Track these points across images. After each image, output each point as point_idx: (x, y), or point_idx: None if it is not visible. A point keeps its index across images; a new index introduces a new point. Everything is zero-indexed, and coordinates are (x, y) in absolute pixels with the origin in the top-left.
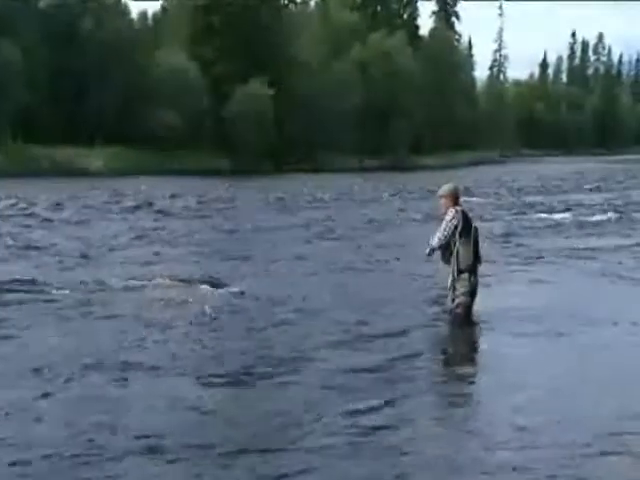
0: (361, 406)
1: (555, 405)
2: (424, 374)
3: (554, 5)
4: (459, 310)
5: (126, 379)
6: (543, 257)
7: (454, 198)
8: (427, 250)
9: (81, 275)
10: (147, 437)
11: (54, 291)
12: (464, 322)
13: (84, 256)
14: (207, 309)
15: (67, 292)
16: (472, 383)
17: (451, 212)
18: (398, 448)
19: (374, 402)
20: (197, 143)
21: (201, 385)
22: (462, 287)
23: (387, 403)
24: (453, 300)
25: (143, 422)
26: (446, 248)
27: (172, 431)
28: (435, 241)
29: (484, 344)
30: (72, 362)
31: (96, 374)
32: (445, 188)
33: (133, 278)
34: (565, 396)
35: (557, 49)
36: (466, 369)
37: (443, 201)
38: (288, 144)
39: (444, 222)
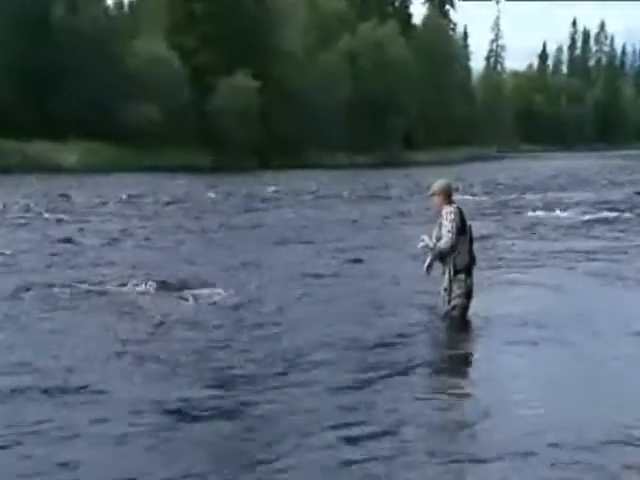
0: (349, 425)
1: (556, 425)
2: (417, 389)
3: None
4: (455, 312)
5: (67, 404)
6: (542, 258)
7: (447, 195)
8: (427, 263)
9: (36, 279)
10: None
11: (8, 298)
12: (460, 325)
13: (39, 259)
14: (177, 316)
15: (26, 297)
16: (470, 400)
17: (450, 210)
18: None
19: (364, 421)
20: (178, 138)
21: (172, 404)
22: (458, 288)
23: (377, 422)
24: (449, 302)
25: (96, 455)
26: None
27: (146, 458)
28: (443, 243)
29: (482, 355)
30: (10, 381)
31: (34, 402)
32: (438, 185)
33: (98, 283)
34: (569, 417)
35: (557, 39)
36: (462, 384)
37: (436, 199)
38: (274, 140)
39: (446, 221)
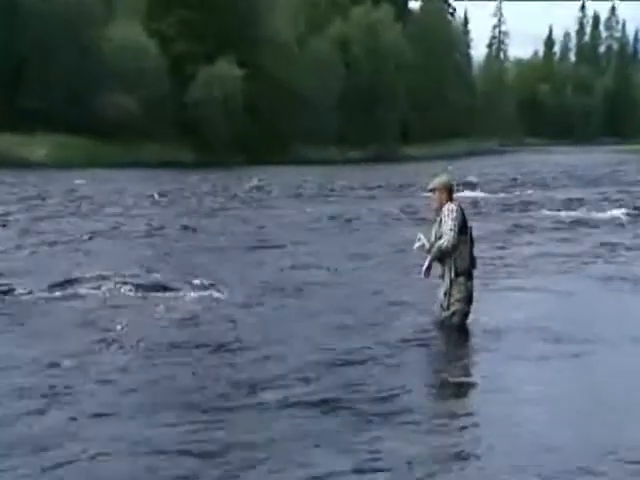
0: (335, 452)
1: (565, 448)
2: (410, 411)
3: None
4: (455, 319)
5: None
6: (547, 260)
7: (448, 192)
8: (425, 264)
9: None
10: None
11: None
12: (460, 334)
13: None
14: (157, 322)
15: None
16: (468, 423)
17: (451, 207)
18: None
19: (350, 449)
20: (158, 132)
21: (149, 422)
22: (458, 293)
23: (368, 449)
24: (448, 307)
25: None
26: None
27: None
28: (445, 242)
29: (483, 369)
30: None
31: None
32: (438, 180)
33: (70, 285)
34: (578, 442)
35: (564, 24)
36: (460, 404)
37: (436, 195)
38: (262, 133)
39: (448, 219)
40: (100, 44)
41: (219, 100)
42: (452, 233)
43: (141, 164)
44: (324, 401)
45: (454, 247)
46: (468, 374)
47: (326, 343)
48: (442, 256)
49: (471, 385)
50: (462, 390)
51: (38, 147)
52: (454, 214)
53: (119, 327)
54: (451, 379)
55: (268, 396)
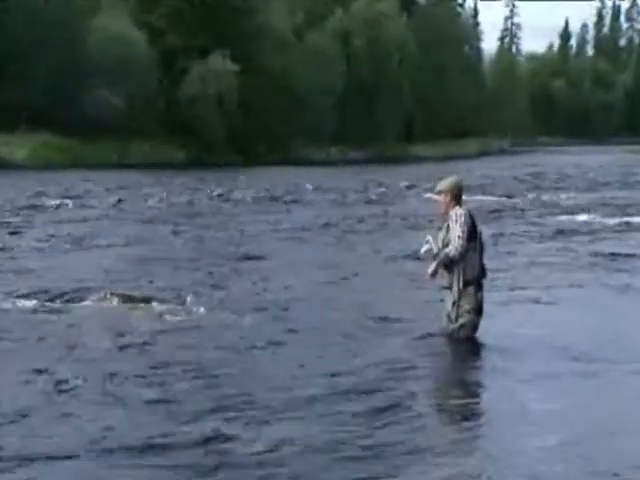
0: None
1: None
2: (413, 436)
3: None
4: (463, 332)
5: None
6: (565, 269)
7: (456, 195)
8: (432, 268)
9: None
10: None
11: None
12: (468, 348)
13: None
14: (140, 334)
15: None
16: (477, 451)
17: (460, 212)
18: None
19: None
20: (147, 130)
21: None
22: (467, 303)
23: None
24: (456, 319)
25: None
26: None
27: None
28: (453, 250)
29: (493, 389)
30: None
31: None
32: (446, 182)
33: (52, 297)
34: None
35: (582, 16)
36: (467, 428)
37: (443, 198)
38: (257, 132)
39: (456, 225)
40: (85, 37)
41: (212, 97)
42: (460, 240)
43: (129, 165)
44: (318, 434)
45: (462, 255)
46: (476, 394)
47: (315, 364)
48: (449, 264)
49: (478, 407)
50: (468, 413)
51: (18, 147)
52: (462, 219)
53: (82, 344)
54: (457, 399)
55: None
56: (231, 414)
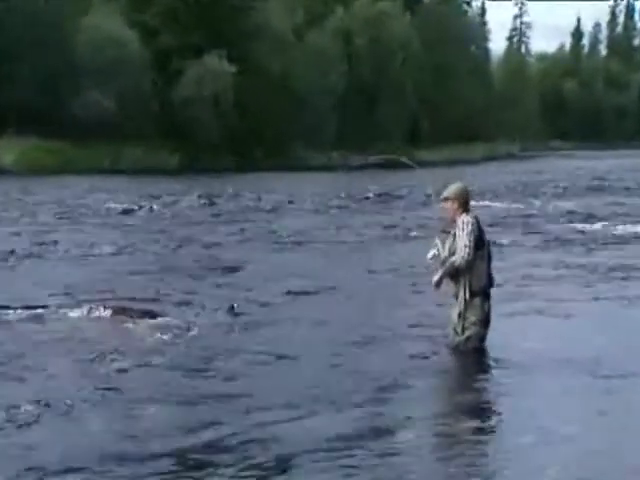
0: None
1: None
2: (416, 459)
3: None
4: (470, 345)
5: None
6: (579, 279)
7: (464, 202)
8: (438, 276)
9: None
10: None
11: None
12: (476, 361)
13: None
14: (136, 349)
15: None
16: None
17: (467, 220)
18: None
19: None
20: (138, 134)
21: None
22: (474, 315)
23: None
24: (462, 331)
25: None
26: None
27: None
28: (459, 258)
29: (502, 406)
30: None
31: None
32: (453, 189)
33: (41, 307)
34: None
35: (594, 14)
36: (475, 449)
37: (450, 205)
38: (254, 135)
39: (463, 233)
40: (75, 37)
41: (208, 99)
42: (467, 249)
43: (121, 170)
44: (325, 439)
45: (468, 264)
46: (483, 413)
47: (314, 384)
48: (456, 273)
49: (486, 427)
50: (475, 432)
51: (5, 152)
52: (469, 227)
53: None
54: (463, 422)
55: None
56: (211, 434)
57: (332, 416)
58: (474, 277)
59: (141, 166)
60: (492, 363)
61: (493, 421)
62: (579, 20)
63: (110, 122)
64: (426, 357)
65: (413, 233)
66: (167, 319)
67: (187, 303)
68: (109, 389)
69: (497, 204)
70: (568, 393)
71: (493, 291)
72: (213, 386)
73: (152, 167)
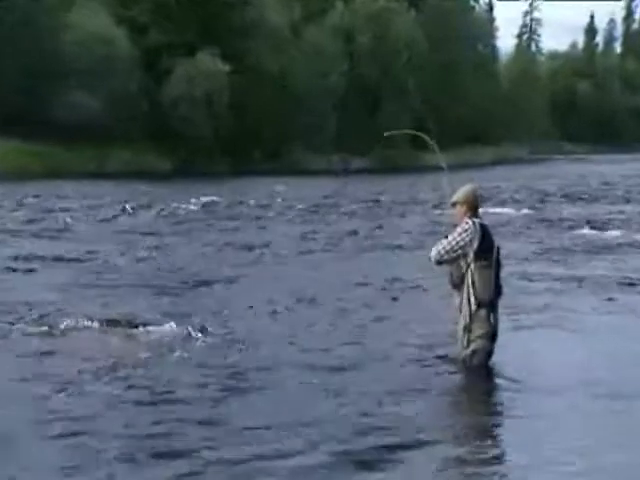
0: None
1: None
2: None
3: None
4: (476, 360)
5: None
6: (595, 290)
7: (472, 206)
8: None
9: None
10: None
11: None
12: (482, 377)
13: None
14: (129, 364)
15: None
16: None
17: (466, 226)
18: None
19: None
20: (127, 136)
21: None
22: (479, 328)
23: None
24: (467, 345)
25: None
26: (456, 270)
27: None
28: (434, 251)
29: (509, 430)
30: None
31: None
32: (461, 192)
33: (27, 320)
34: None
35: (609, 10)
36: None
37: (458, 209)
38: (249, 137)
39: (455, 234)
40: (59, 34)
41: (201, 99)
42: (445, 248)
43: (109, 174)
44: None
45: (439, 263)
46: (487, 437)
47: (306, 402)
48: (460, 282)
49: (491, 457)
50: (479, 463)
51: None
52: (464, 234)
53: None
54: (468, 446)
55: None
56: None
57: (330, 444)
58: (478, 288)
59: (130, 170)
60: (499, 381)
61: (496, 446)
62: (592, 16)
63: (97, 124)
64: (428, 375)
65: (408, 243)
66: (132, 338)
67: (156, 322)
68: (62, 418)
69: (505, 210)
70: (577, 415)
71: (501, 302)
72: (184, 413)
73: (141, 171)
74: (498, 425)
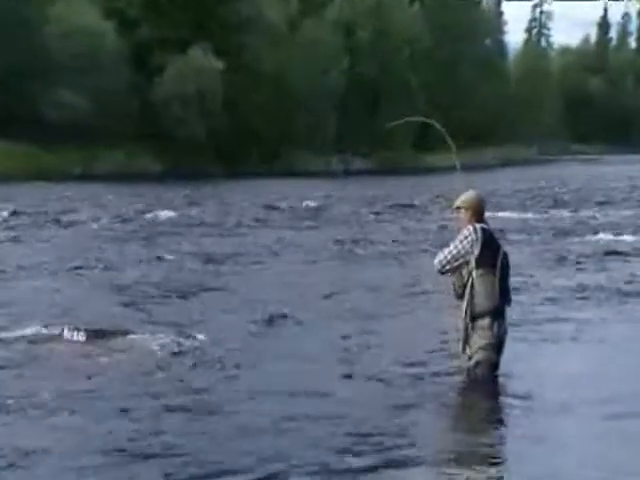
0: None
1: None
2: None
3: None
4: (479, 372)
5: None
6: (604, 300)
7: (476, 212)
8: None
9: None
10: None
11: None
12: (485, 391)
13: None
14: (113, 375)
15: None
16: None
17: (468, 232)
18: None
19: None
20: (115, 136)
21: None
22: (482, 339)
23: None
24: (469, 356)
25: None
26: (459, 279)
27: None
28: (436, 260)
29: (514, 454)
30: None
31: None
32: (465, 197)
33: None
34: None
35: (623, 4)
36: None
37: (462, 215)
38: (246, 138)
39: (456, 241)
40: (43, 28)
41: (193, 98)
42: (447, 257)
43: (96, 176)
44: None
45: (441, 273)
46: (489, 460)
47: (301, 412)
48: (462, 291)
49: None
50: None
51: None
52: (465, 241)
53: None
54: (470, 470)
55: None
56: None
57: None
58: (480, 296)
59: (118, 172)
60: (505, 397)
61: (496, 472)
62: (606, 10)
63: (83, 123)
64: (425, 391)
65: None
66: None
67: (145, 331)
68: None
69: (513, 214)
70: (590, 437)
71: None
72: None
73: (131, 173)
74: (500, 446)
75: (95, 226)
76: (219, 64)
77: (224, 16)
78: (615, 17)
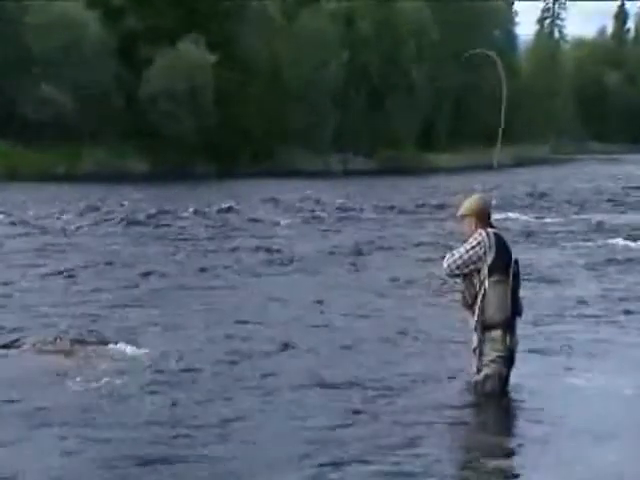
0: None
1: None
2: None
3: None
4: (489, 386)
5: None
6: (620, 308)
7: (483, 217)
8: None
9: None
10: None
11: None
12: (495, 407)
13: None
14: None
15: None
16: None
17: (479, 238)
18: None
19: None
20: (100, 134)
21: None
22: (493, 351)
23: None
24: (478, 369)
25: None
26: (469, 288)
27: None
28: (445, 264)
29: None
30: None
31: None
32: (469, 204)
33: None
34: None
35: None
36: None
37: (467, 221)
38: (239, 135)
39: (467, 245)
40: (21, 18)
41: (183, 93)
42: (457, 262)
43: (80, 176)
44: None
45: (450, 276)
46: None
47: (297, 430)
48: (472, 301)
49: None
50: None
51: None
52: (477, 242)
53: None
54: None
55: None
56: None
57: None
58: (490, 306)
59: (103, 172)
60: (516, 413)
61: None
62: (623, 0)
63: (66, 120)
64: (430, 407)
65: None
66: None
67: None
68: None
69: (526, 217)
70: (626, 472)
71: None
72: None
73: (116, 173)
74: (511, 465)
75: (72, 227)
76: (211, 57)
77: (216, 6)
78: (633, 7)
